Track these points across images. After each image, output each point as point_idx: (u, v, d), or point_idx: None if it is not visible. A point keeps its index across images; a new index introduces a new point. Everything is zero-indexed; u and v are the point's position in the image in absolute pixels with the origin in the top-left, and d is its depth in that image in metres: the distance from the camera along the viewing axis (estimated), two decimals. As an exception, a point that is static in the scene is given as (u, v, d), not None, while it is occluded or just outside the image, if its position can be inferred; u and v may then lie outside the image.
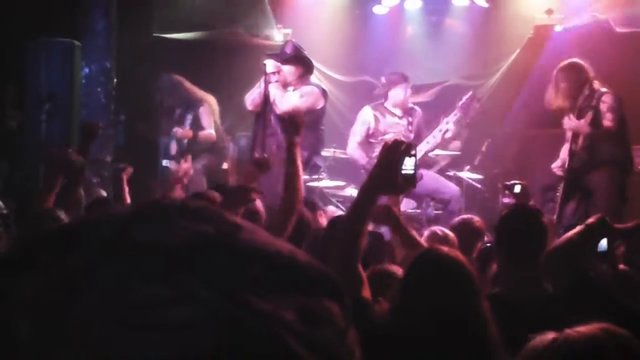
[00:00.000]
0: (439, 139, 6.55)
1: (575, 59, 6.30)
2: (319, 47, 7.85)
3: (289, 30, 8.88)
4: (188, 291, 0.51)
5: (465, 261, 2.24)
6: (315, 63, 6.46)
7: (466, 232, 4.09)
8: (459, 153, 7.22)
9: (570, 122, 6.13)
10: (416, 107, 6.94)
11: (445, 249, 2.38)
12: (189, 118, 7.34)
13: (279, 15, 8.99)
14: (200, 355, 0.49)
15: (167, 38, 8.41)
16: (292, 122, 3.72)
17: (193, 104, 7.37)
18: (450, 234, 3.94)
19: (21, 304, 0.51)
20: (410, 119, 6.81)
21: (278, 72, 6.08)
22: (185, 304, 0.50)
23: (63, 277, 0.52)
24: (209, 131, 7.34)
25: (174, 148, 7.51)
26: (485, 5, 8.83)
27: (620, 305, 2.53)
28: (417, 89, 7.65)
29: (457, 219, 4.86)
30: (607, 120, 6.00)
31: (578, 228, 2.78)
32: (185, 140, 7.39)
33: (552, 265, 2.70)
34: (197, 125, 7.34)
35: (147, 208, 0.58)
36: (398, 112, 6.84)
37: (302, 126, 3.72)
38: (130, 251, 0.53)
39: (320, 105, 6.19)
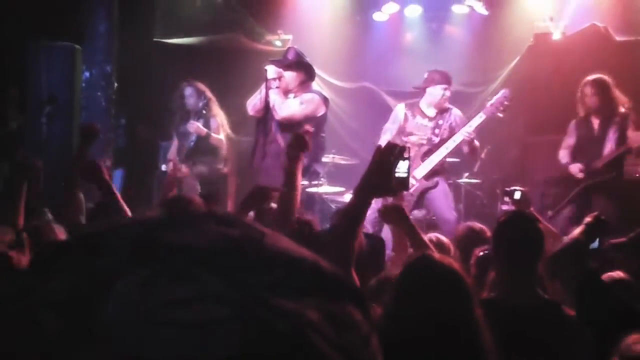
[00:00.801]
0: (462, 142, 6.38)
1: (601, 75, 6.40)
2: (320, 53, 7.87)
3: (289, 37, 8.90)
4: (215, 291, 0.52)
5: (458, 267, 2.24)
6: (315, 69, 6.47)
7: (469, 238, 4.10)
8: (457, 160, 7.21)
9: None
10: (453, 108, 6.68)
11: (437, 255, 2.39)
12: (201, 121, 7.33)
13: (280, 21, 9.02)
14: (228, 353, 0.50)
15: (168, 43, 8.43)
16: (299, 139, 3.67)
17: (208, 114, 7.37)
18: (445, 240, 3.95)
19: (50, 301, 0.52)
20: (440, 122, 6.60)
21: (279, 78, 6.08)
22: (213, 302, 0.51)
23: (93, 276, 0.53)
24: (220, 137, 7.35)
25: (178, 147, 7.46)
26: (485, 12, 8.86)
27: (628, 307, 2.55)
28: (417, 95, 7.64)
29: (461, 226, 4.87)
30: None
31: (580, 228, 2.81)
32: (193, 140, 7.34)
33: (560, 267, 2.72)
34: (208, 127, 7.34)
35: (176, 213, 0.60)
36: (431, 112, 6.62)
37: (309, 146, 3.72)
38: (159, 252, 0.54)
39: (321, 112, 6.18)
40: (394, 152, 2.37)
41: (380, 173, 2.37)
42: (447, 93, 6.61)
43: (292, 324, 0.52)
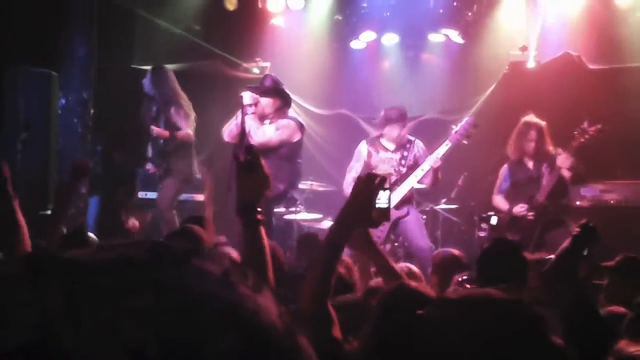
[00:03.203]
0: (429, 171, 6.46)
1: (538, 120, 6.62)
2: (297, 80, 7.92)
3: (267, 64, 8.95)
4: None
5: (435, 295, 2.24)
6: (293, 96, 6.49)
7: (448, 264, 4.11)
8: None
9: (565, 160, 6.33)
10: (415, 140, 6.77)
11: (414, 283, 2.38)
12: (163, 117, 7.16)
13: (258, 49, 9.07)
14: None
15: (145, 69, 8.42)
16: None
17: (172, 102, 7.19)
18: (416, 270, 3.92)
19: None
20: (405, 153, 6.68)
21: (255, 104, 6.10)
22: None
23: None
24: (187, 131, 7.14)
25: (150, 151, 7.34)
26: (461, 41, 8.98)
27: (611, 330, 2.56)
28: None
29: (437, 252, 4.88)
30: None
31: (568, 240, 2.83)
32: (161, 141, 7.22)
33: (552, 280, 2.73)
34: (171, 125, 7.17)
35: (164, 250, 0.61)
36: (391, 146, 6.73)
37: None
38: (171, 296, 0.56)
39: (296, 138, 6.20)
40: (374, 183, 2.35)
41: (360, 204, 2.34)
42: (405, 129, 6.72)
43: None
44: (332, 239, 2.38)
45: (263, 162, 2.38)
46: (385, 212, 2.44)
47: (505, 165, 6.86)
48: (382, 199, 2.40)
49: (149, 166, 7.34)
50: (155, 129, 7.10)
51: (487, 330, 1.54)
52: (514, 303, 1.73)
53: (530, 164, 6.68)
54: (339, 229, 2.37)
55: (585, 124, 6.26)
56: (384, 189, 2.40)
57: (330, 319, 2.26)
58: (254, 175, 2.35)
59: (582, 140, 6.24)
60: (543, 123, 6.64)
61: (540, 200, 6.42)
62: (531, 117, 6.72)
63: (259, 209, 2.38)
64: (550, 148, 6.61)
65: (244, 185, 2.36)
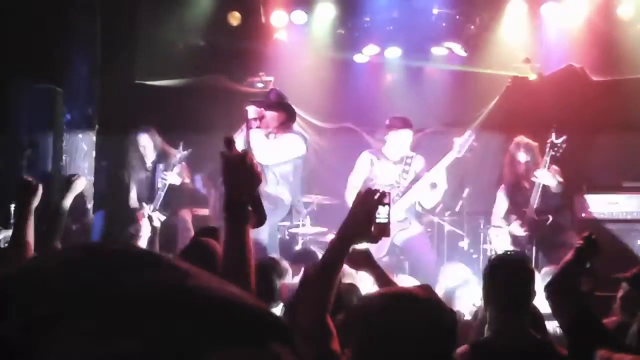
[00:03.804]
0: (428, 186, 6.51)
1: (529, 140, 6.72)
2: (301, 94, 7.92)
3: (271, 78, 8.96)
4: (160, 346, 0.51)
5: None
6: (296, 109, 6.50)
7: None
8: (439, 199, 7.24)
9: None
10: (416, 155, 6.78)
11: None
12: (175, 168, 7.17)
13: (262, 63, 9.09)
14: None
15: (149, 85, 8.45)
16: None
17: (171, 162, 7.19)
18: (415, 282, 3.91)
19: None
20: (406, 167, 6.69)
21: (260, 118, 6.11)
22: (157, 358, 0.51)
23: (29, 324, 0.52)
24: (187, 181, 7.24)
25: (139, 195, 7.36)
26: (464, 54, 8.99)
27: (615, 342, 2.56)
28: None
29: None
30: None
31: (571, 253, 2.82)
32: (161, 190, 7.06)
33: (555, 292, 2.72)
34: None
35: (113, 257, 0.58)
36: (395, 157, 6.73)
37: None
38: (102, 302, 0.53)
39: (300, 153, 6.21)
40: (374, 198, 2.34)
41: (360, 219, 2.33)
42: (409, 138, 6.70)
43: None
44: (331, 254, 2.38)
45: (251, 156, 2.20)
46: (385, 227, 2.42)
47: (501, 189, 6.87)
48: (382, 214, 2.39)
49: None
50: (171, 174, 6.98)
51: (401, 321, 1.80)
52: (431, 301, 1.88)
53: (527, 184, 6.66)
54: (338, 244, 2.36)
55: (553, 136, 6.26)
56: (384, 204, 2.39)
57: (330, 332, 2.26)
58: (243, 170, 2.17)
59: (554, 153, 6.25)
60: (535, 144, 6.65)
61: (530, 215, 6.43)
62: (521, 138, 6.75)
63: (249, 208, 2.18)
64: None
65: (233, 181, 2.18)
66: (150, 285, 0.55)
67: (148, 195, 7.20)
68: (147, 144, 7.32)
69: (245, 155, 2.18)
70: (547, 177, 6.37)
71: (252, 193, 2.18)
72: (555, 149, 6.25)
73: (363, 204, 2.35)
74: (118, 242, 0.62)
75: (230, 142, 2.24)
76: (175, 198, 7.17)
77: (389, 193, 2.57)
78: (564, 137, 6.25)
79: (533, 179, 6.41)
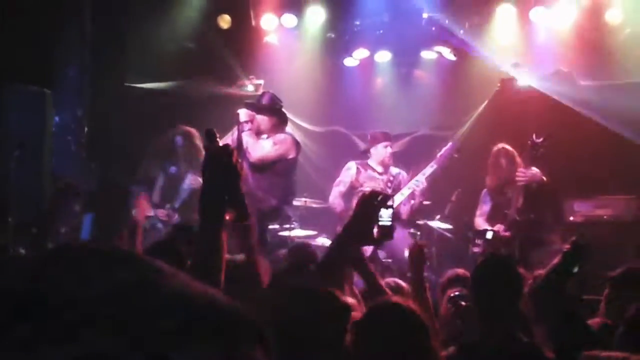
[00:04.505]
0: (414, 190, 6.66)
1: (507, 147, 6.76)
2: (291, 97, 7.93)
3: (261, 81, 8.97)
4: (100, 350, 0.49)
5: (417, 310, 2.31)
6: (287, 113, 6.51)
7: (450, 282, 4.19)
8: (428, 202, 7.28)
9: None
10: (402, 172, 7.08)
11: (396, 298, 2.41)
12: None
13: (252, 66, 9.10)
14: None
15: (139, 87, 8.44)
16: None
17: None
18: (404, 284, 3.94)
19: None
20: (391, 177, 7.01)
21: (251, 121, 6.12)
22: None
23: None
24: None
25: (163, 190, 7.31)
26: (453, 58, 9.03)
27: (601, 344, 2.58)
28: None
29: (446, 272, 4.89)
30: None
31: (558, 257, 2.83)
32: (186, 192, 7.11)
33: (541, 296, 2.74)
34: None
35: (60, 256, 0.56)
36: (379, 168, 7.04)
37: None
38: (41, 306, 0.50)
39: (292, 154, 6.22)
40: (376, 201, 2.35)
41: (362, 221, 2.34)
42: (389, 149, 7.04)
43: None
44: (331, 255, 2.40)
45: (234, 151, 2.13)
46: (388, 229, 2.43)
47: (485, 190, 6.95)
48: (385, 217, 2.39)
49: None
50: (198, 179, 7.05)
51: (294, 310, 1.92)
52: (322, 292, 1.99)
53: (509, 189, 6.71)
54: (339, 245, 2.38)
55: (534, 137, 6.31)
56: (387, 207, 2.39)
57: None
58: (224, 164, 2.10)
59: (535, 152, 6.29)
60: (511, 150, 6.72)
61: (512, 216, 6.48)
62: (502, 145, 6.82)
63: (227, 204, 2.12)
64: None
65: (211, 175, 2.11)
66: (120, 284, 0.53)
67: (169, 194, 7.17)
68: (182, 145, 7.28)
69: (227, 148, 2.12)
70: (526, 177, 6.41)
71: (232, 188, 2.10)
72: (540, 149, 6.30)
73: (365, 206, 2.35)
74: (95, 242, 0.60)
75: (211, 135, 2.16)
76: (195, 204, 7.14)
77: (392, 196, 2.59)
78: (542, 138, 6.31)
79: (517, 178, 6.46)
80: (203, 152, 7.33)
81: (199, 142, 7.28)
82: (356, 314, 2.65)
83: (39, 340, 0.49)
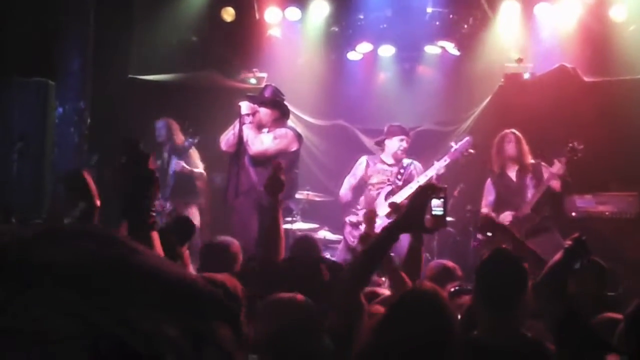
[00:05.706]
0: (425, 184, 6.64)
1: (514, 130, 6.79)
2: (294, 90, 7.92)
3: (264, 74, 8.97)
4: (70, 309, 0.52)
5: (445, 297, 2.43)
6: (289, 106, 6.50)
7: (441, 275, 4.17)
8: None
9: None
10: (413, 162, 7.06)
11: (428, 284, 2.49)
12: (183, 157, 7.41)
13: (255, 59, 9.09)
14: None
15: (142, 79, 8.43)
16: (274, 179, 3.77)
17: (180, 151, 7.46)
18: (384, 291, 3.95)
19: None
20: (402, 169, 6.98)
21: (253, 113, 6.11)
22: (64, 319, 0.51)
23: None
24: (201, 170, 7.54)
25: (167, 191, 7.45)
26: (457, 53, 9.01)
27: (603, 341, 2.57)
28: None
29: (432, 263, 4.93)
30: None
31: (559, 253, 2.82)
32: (171, 178, 7.35)
33: (542, 292, 2.74)
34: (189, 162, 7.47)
35: (48, 231, 0.60)
36: (390, 160, 7.04)
37: (283, 185, 3.78)
38: (23, 271, 0.54)
39: (293, 148, 6.20)
40: (429, 191, 2.56)
41: (415, 210, 2.52)
42: (404, 144, 7.01)
43: (146, 341, 0.52)
44: (379, 241, 2.59)
45: (152, 159, 2.15)
46: (441, 219, 2.66)
47: (489, 179, 6.94)
48: (438, 207, 2.61)
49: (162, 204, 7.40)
50: (180, 164, 7.42)
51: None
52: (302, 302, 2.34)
53: (513, 175, 6.73)
54: (390, 232, 2.56)
55: (575, 144, 6.33)
56: (440, 198, 2.61)
57: (362, 308, 2.56)
58: (140, 172, 2.11)
59: (575, 157, 6.32)
60: (517, 132, 6.74)
61: (526, 211, 6.47)
62: (509, 130, 6.82)
63: (152, 212, 2.14)
64: (529, 158, 6.71)
65: (131, 184, 2.12)
66: (89, 258, 0.56)
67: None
68: (163, 132, 7.47)
69: (145, 155, 2.13)
70: (562, 170, 6.39)
71: (152, 195, 2.15)
72: (578, 154, 6.33)
73: (419, 195, 2.54)
74: (83, 225, 0.65)
75: (132, 145, 2.15)
76: (183, 188, 7.34)
77: (446, 187, 2.74)
78: (582, 146, 6.34)
79: (554, 170, 6.42)
80: (182, 139, 7.42)
81: (178, 131, 7.49)
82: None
83: (14, 298, 0.52)
